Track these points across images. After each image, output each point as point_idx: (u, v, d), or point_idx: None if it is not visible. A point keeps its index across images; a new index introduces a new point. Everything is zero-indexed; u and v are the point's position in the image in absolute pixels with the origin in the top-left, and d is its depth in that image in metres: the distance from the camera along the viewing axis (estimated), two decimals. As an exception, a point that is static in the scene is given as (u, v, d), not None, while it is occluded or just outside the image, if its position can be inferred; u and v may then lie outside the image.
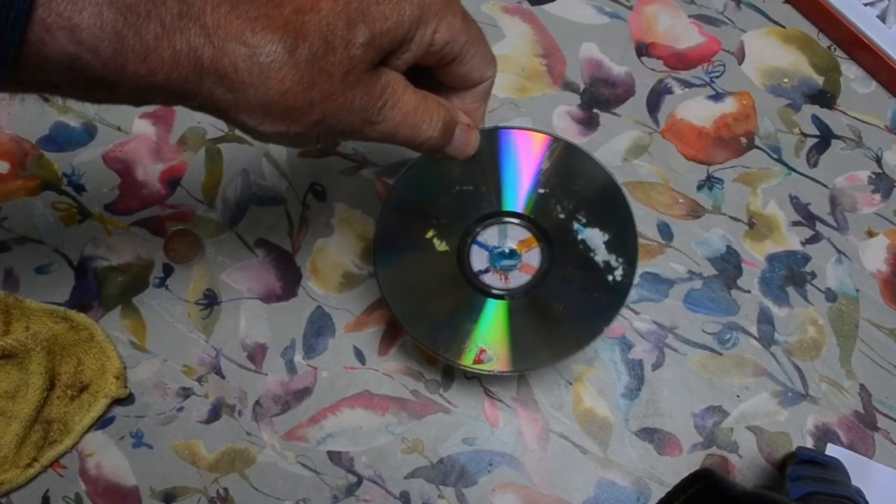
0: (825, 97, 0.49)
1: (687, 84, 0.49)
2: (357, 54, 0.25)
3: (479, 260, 0.38)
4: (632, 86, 0.49)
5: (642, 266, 0.46)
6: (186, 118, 0.49)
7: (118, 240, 0.47)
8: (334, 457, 0.44)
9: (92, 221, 0.48)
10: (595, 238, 0.36)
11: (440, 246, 0.37)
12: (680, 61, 0.50)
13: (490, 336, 0.37)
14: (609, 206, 0.37)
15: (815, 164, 0.48)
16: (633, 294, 0.45)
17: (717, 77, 0.49)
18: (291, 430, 0.44)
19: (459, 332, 0.37)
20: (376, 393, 0.44)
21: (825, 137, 0.48)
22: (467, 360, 0.37)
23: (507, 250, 0.37)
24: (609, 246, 0.36)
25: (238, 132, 0.49)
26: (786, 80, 0.49)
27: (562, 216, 0.37)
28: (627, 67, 0.50)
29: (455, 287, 0.37)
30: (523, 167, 0.37)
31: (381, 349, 0.45)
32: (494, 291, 0.38)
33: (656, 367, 0.44)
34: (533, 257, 0.37)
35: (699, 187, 0.47)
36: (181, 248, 0.47)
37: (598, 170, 0.37)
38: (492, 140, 0.36)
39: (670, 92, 0.49)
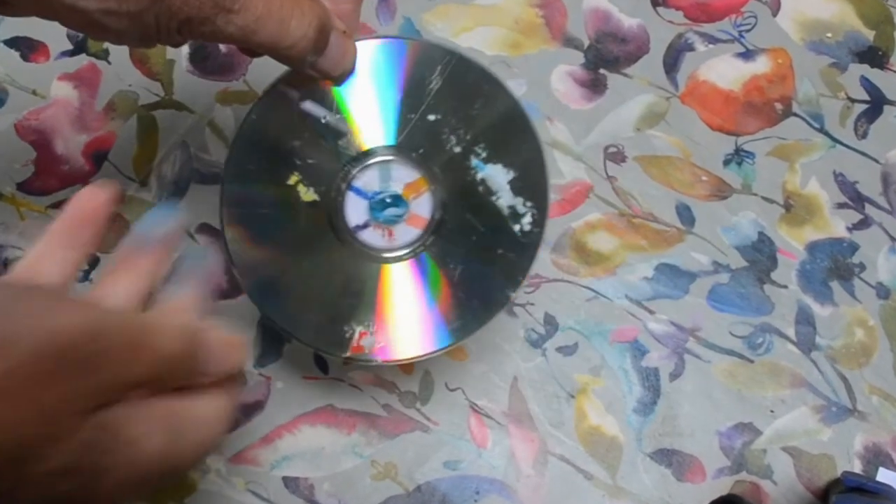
0: (876, 55, 0.47)
1: (711, 39, 0.48)
2: None
3: (355, 212, 0.34)
4: (646, 41, 0.48)
5: (658, 256, 0.44)
6: (114, 81, 0.47)
7: (34, 225, 0.45)
8: (291, 484, 0.42)
9: (2, 203, 0.46)
10: (498, 176, 0.34)
11: (306, 195, 0.33)
12: (703, 12, 0.48)
13: (371, 313, 0.33)
14: (513, 137, 0.34)
15: (864, 135, 0.46)
16: (648, 290, 0.44)
17: (748, 31, 0.48)
18: (240, 452, 0.42)
19: (333, 310, 0.33)
20: (341, 407, 0.42)
21: (876, 103, 0.47)
22: (343, 349, 0.33)
23: (389, 197, 0.34)
24: (515, 187, 0.34)
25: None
26: (829, 34, 0.48)
27: (457, 150, 0.34)
28: (640, 19, 0.48)
29: (325, 250, 0.34)
30: (407, 88, 0.34)
31: (348, 355, 0.43)
32: (375, 253, 0.34)
33: (675, 376, 0.43)
34: (423, 205, 0.34)
35: (726, 162, 0.46)
36: (108, 235, 0.43)
37: (501, 91, 0.34)
38: (370, 55, 0.33)
39: (692, 49, 0.48)
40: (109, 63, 0.47)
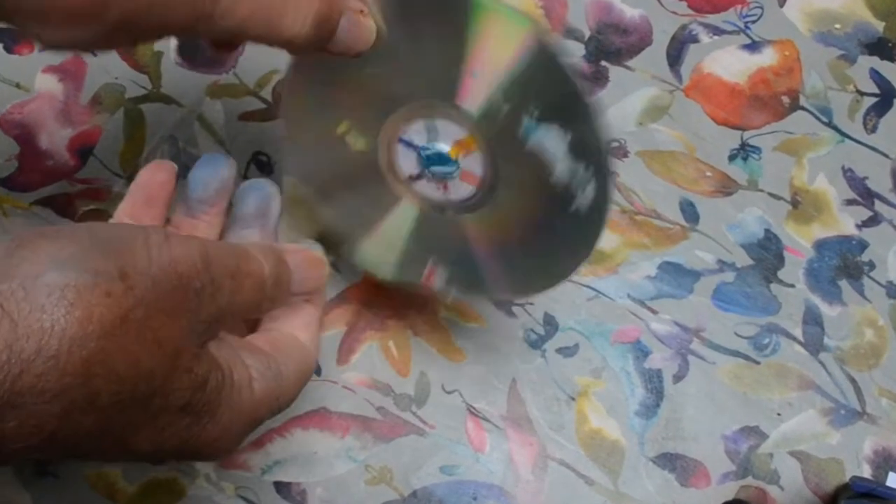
0: (886, 47, 0.47)
1: (716, 31, 0.48)
2: None
3: (407, 162, 0.33)
4: (648, 33, 0.48)
5: (661, 254, 0.44)
6: (100, 73, 0.47)
7: (17, 223, 0.45)
8: (283, 489, 0.41)
9: (-16, 200, 0.46)
10: (553, 140, 0.29)
11: (356, 143, 0.33)
12: (708, 3, 0.48)
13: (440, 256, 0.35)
14: (566, 97, 0.29)
15: (873, 130, 0.46)
16: (651, 289, 0.44)
17: (754, 22, 0.48)
18: (230, 457, 0.42)
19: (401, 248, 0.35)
20: (334, 410, 0.42)
21: (886, 96, 0.46)
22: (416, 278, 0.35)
23: (434, 155, 0.32)
24: (574, 150, 0.29)
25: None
26: (838, 25, 0.48)
27: (505, 107, 0.30)
28: (643, 10, 0.48)
29: (382, 195, 0.34)
30: (488, 61, 0.30)
31: (341, 356, 0.43)
32: (433, 203, 0.34)
33: (678, 378, 0.43)
34: (474, 163, 0.32)
35: (731, 158, 0.46)
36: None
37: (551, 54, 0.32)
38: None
39: (696, 40, 0.47)
40: (95, 55, 0.46)
